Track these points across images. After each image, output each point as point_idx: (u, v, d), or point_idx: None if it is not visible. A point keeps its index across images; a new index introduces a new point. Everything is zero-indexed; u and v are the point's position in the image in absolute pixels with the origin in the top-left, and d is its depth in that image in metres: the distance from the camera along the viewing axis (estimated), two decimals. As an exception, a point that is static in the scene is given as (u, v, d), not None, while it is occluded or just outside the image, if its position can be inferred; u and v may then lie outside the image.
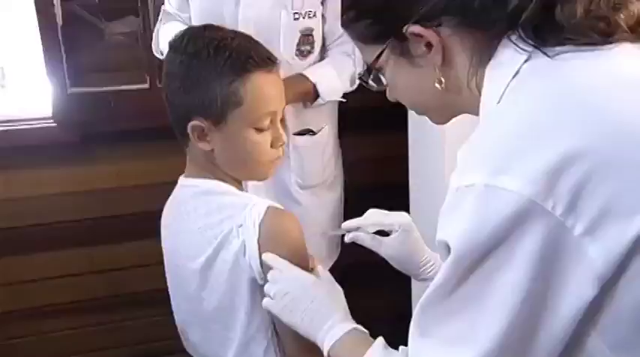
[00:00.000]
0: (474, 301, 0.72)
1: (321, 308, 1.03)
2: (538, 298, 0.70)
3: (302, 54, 1.83)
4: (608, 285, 0.69)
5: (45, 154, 2.23)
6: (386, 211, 1.22)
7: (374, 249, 1.20)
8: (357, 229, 1.20)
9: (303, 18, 1.78)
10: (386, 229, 1.20)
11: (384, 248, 1.19)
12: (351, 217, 1.24)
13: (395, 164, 2.14)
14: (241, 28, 1.72)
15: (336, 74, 1.83)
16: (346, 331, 1.01)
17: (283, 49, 1.79)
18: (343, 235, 1.24)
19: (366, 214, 1.22)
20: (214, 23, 1.66)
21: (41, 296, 2.35)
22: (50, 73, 2.17)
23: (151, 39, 1.98)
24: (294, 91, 1.80)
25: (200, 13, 1.82)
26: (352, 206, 2.10)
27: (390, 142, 2.15)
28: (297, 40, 1.80)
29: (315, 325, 1.02)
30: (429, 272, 1.20)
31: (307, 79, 1.83)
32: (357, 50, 1.03)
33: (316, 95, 1.85)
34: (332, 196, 2.05)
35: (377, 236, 1.19)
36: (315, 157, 1.96)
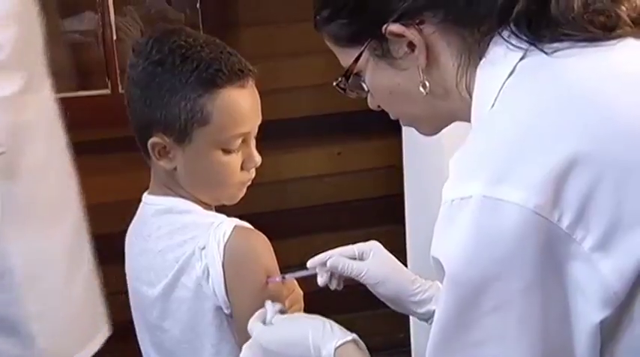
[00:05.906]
0: (490, 338, 0.72)
1: (326, 323, 1.02)
2: (556, 321, 0.70)
3: None
4: (626, 303, 0.69)
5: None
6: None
7: (357, 277, 1.12)
8: (326, 261, 1.12)
9: None
10: (357, 256, 1.14)
11: (369, 271, 1.11)
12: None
13: (388, 174, 2.15)
14: None
15: None
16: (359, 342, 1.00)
17: None
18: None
19: (329, 252, 1.15)
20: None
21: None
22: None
23: (112, 37, 1.95)
24: None
25: None
26: (342, 223, 2.18)
27: (382, 148, 2.17)
28: None
29: (326, 330, 0.99)
30: (425, 293, 1.13)
31: None
32: None
33: None
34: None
35: (356, 261, 1.13)
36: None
